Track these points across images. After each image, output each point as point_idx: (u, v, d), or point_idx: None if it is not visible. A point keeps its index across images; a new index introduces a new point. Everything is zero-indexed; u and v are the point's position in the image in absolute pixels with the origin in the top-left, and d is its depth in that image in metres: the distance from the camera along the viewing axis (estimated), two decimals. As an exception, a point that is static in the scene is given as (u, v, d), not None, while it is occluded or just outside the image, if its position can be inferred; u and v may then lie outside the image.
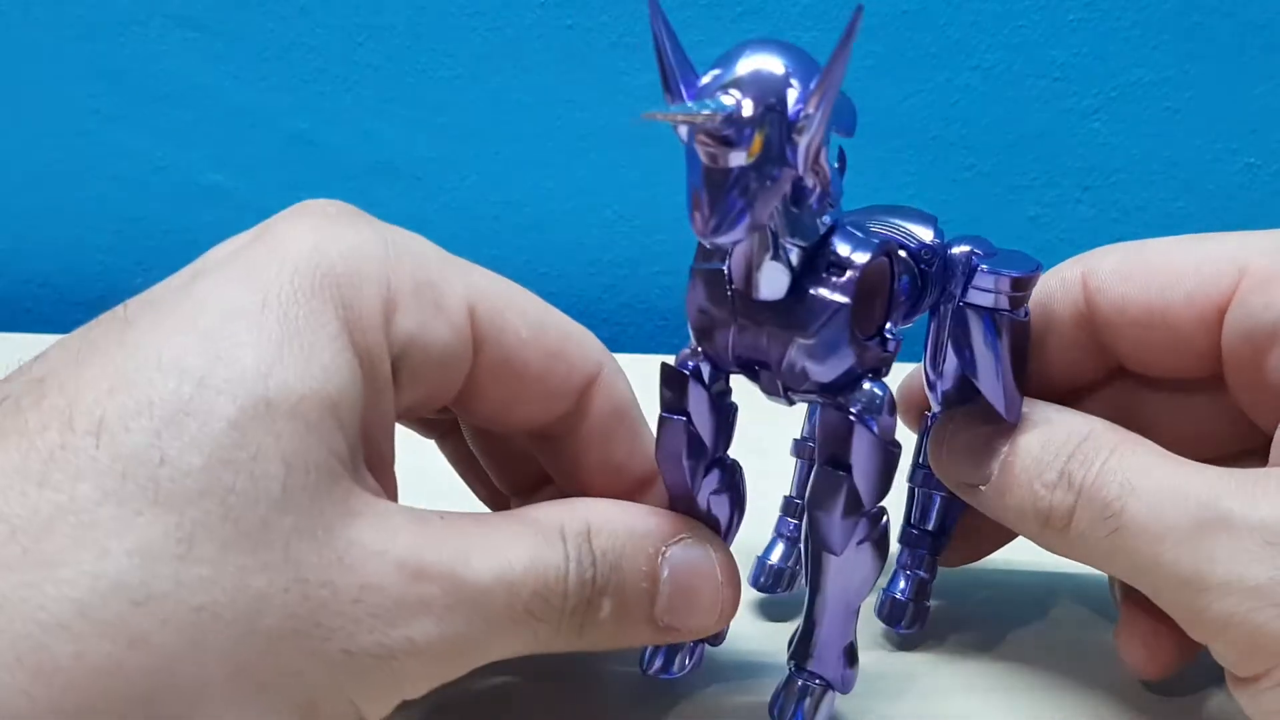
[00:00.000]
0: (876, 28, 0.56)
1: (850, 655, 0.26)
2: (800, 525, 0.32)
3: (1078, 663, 0.30)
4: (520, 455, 0.30)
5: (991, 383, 0.27)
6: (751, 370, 0.25)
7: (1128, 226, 0.59)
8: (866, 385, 0.24)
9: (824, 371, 0.24)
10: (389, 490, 0.24)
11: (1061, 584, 0.34)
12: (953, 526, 0.31)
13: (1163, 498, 0.24)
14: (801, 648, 0.26)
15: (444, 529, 0.22)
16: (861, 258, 0.23)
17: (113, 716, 0.18)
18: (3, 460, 0.19)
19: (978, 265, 0.27)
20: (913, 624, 0.31)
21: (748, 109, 0.19)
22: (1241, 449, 0.29)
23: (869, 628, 0.31)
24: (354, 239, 0.23)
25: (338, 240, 0.23)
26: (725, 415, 0.26)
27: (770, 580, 0.32)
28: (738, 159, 0.20)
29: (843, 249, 0.23)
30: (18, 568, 0.18)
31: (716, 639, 0.29)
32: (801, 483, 0.33)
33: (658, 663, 0.28)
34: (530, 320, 0.26)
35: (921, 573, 0.31)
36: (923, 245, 0.28)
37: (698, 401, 0.25)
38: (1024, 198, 0.58)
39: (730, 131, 0.19)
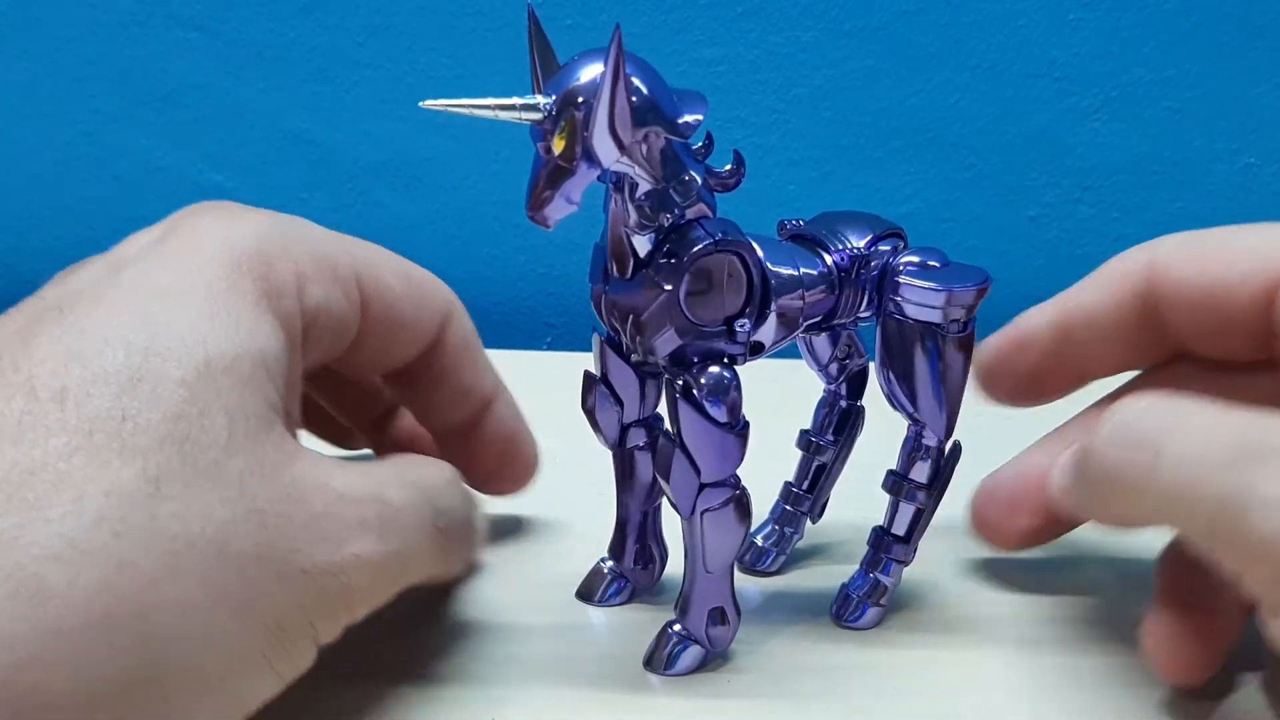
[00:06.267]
0: (876, 28, 0.56)
1: (717, 616, 0.28)
2: (792, 510, 0.34)
3: (1091, 679, 0.29)
4: (365, 394, 0.35)
5: (928, 400, 0.29)
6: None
7: (1128, 226, 0.59)
8: (715, 369, 0.26)
9: (655, 346, 0.26)
10: None
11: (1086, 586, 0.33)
12: (918, 535, 0.31)
13: (1202, 431, 0.24)
14: (679, 605, 0.29)
15: (360, 467, 0.25)
16: (692, 251, 0.26)
17: (109, 630, 0.20)
18: None
19: (899, 275, 0.28)
20: (855, 619, 0.31)
21: (545, 105, 0.23)
22: None
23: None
24: (257, 225, 0.26)
25: (243, 227, 0.26)
26: (645, 381, 0.29)
27: (753, 558, 0.34)
28: (547, 151, 0.23)
29: (684, 242, 0.26)
30: (4, 513, 0.20)
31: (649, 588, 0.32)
32: (801, 472, 0.34)
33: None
34: (400, 277, 0.30)
35: (880, 575, 0.31)
36: (843, 252, 0.29)
37: (618, 368, 0.29)
38: (1024, 198, 0.58)
39: (548, 126, 0.23)
